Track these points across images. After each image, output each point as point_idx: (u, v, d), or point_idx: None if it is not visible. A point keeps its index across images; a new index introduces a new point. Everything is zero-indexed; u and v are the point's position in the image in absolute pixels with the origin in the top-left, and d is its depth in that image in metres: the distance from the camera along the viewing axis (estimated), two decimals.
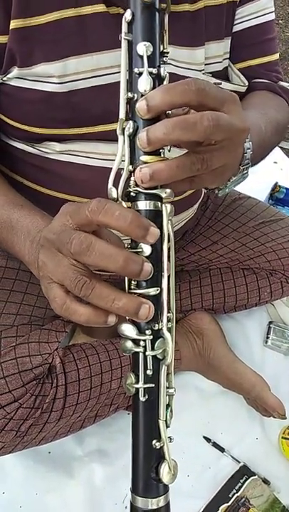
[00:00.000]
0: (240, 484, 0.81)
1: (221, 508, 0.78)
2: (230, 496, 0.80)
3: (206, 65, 0.63)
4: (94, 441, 0.82)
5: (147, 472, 0.37)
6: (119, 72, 0.38)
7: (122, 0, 0.35)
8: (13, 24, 0.51)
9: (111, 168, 0.38)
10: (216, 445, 0.85)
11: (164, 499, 0.38)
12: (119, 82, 0.37)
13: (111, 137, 0.38)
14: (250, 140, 0.46)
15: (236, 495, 0.80)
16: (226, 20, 0.63)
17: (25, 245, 0.49)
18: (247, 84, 0.69)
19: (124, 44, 0.37)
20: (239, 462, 0.83)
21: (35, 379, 0.62)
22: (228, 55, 0.66)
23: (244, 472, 0.82)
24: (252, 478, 0.81)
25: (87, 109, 0.56)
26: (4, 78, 0.55)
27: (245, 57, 0.68)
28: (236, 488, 0.81)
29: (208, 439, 0.86)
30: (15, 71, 0.53)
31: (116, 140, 0.37)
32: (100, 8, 0.53)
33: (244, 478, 0.81)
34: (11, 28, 0.51)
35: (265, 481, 0.82)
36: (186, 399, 0.90)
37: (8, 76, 0.54)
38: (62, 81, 0.54)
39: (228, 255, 0.90)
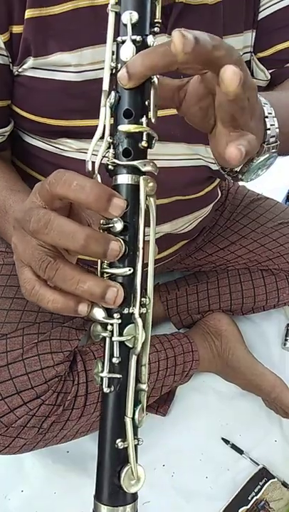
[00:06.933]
0: (259, 487, 0.80)
1: (240, 511, 0.77)
2: (249, 498, 0.79)
3: None
4: None
5: (111, 476, 0.32)
6: None
7: None
8: (28, 14, 0.51)
9: None
10: (234, 447, 0.85)
11: (131, 509, 0.33)
12: None
13: None
14: (276, 117, 0.41)
15: (255, 498, 0.79)
16: (246, 13, 0.62)
17: None
18: (269, 78, 0.68)
19: (111, 16, 0.34)
20: (258, 464, 0.82)
21: (57, 376, 0.62)
22: (248, 49, 0.65)
23: (263, 475, 0.81)
24: (271, 480, 0.80)
25: None
26: (20, 70, 0.54)
27: (274, 43, 0.66)
28: (255, 490, 0.79)
29: (226, 441, 0.85)
30: (30, 61, 0.53)
31: None
32: None
33: (263, 481, 0.80)
34: (26, 17, 0.51)
35: (285, 484, 0.81)
36: (205, 400, 0.89)
37: (24, 67, 0.54)
38: (79, 70, 0.53)
39: (246, 256, 0.90)
